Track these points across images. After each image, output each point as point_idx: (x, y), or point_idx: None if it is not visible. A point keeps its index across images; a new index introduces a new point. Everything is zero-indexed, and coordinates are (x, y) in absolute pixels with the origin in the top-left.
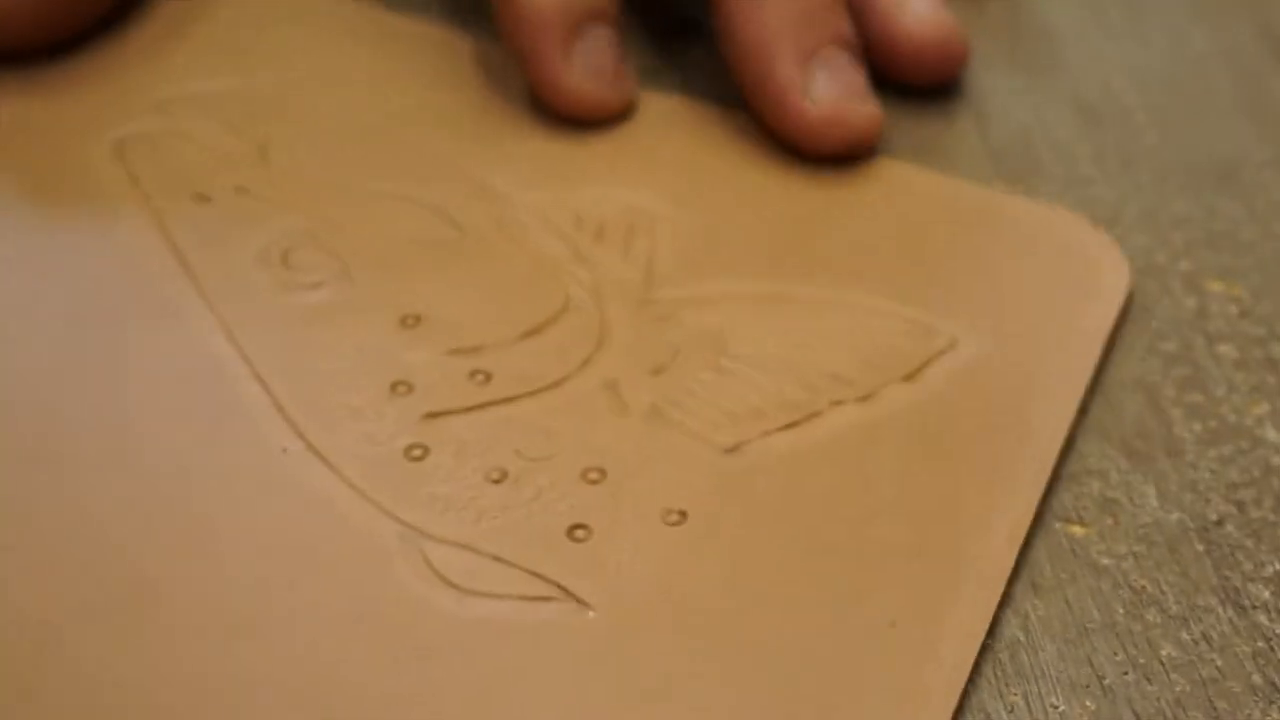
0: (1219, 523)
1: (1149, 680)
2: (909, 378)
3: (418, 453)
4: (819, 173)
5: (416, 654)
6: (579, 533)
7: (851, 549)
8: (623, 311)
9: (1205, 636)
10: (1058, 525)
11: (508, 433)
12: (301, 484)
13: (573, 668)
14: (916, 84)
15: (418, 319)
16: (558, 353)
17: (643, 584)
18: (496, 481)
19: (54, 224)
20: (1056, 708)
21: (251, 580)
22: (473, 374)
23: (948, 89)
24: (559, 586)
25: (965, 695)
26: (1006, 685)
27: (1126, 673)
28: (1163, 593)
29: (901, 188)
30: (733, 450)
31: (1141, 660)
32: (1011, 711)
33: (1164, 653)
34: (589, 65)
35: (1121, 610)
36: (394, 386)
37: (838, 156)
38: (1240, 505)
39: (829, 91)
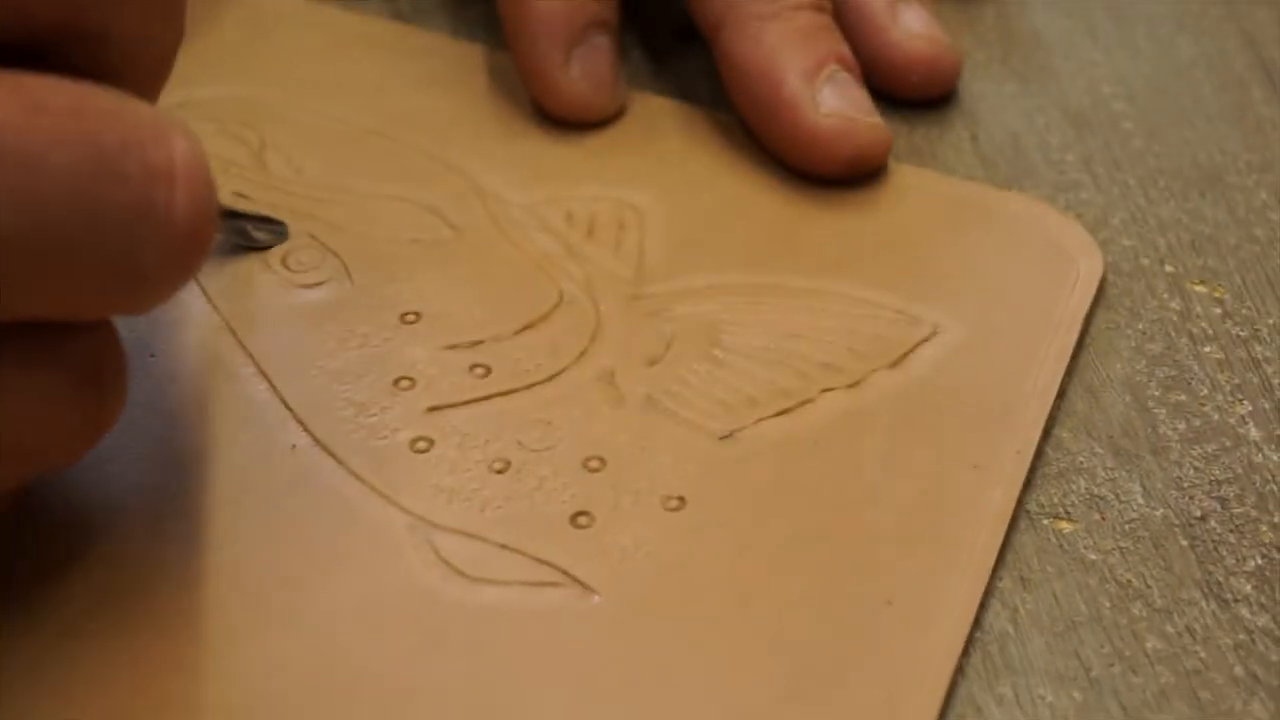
0: (1202, 518)
1: (1134, 672)
2: (894, 364)
3: (422, 445)
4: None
5: (427, 640)
6: (582, 520)
7: (845, 532)
8: (615, 305)
9: (1189, 629)
10: (1046, 521)
11: (509, 424)
12: (311, 478)
13: (579, 652)
14: (909, 98)
15: (417, 316)
16: (554, 346)
17: (645, 568)
18: (500, 472)
19: None
20: (1044, 699)
21: (265, 573)
22: (472, 368)
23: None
24: (564, 572)
25: (955, 687)
26: (996, 677)
27: (1112, 665)
28: (1148, 587)
29: (882, 181)
30: (727, 437)
31: (1127, 653)
32: (1000, 703)
33: (1149, 645)
34: (586, 71)
35: (1108, 604)
36: (396, 382)
37: (846, 172)
38: (1223, 501)
39: (838, 105)
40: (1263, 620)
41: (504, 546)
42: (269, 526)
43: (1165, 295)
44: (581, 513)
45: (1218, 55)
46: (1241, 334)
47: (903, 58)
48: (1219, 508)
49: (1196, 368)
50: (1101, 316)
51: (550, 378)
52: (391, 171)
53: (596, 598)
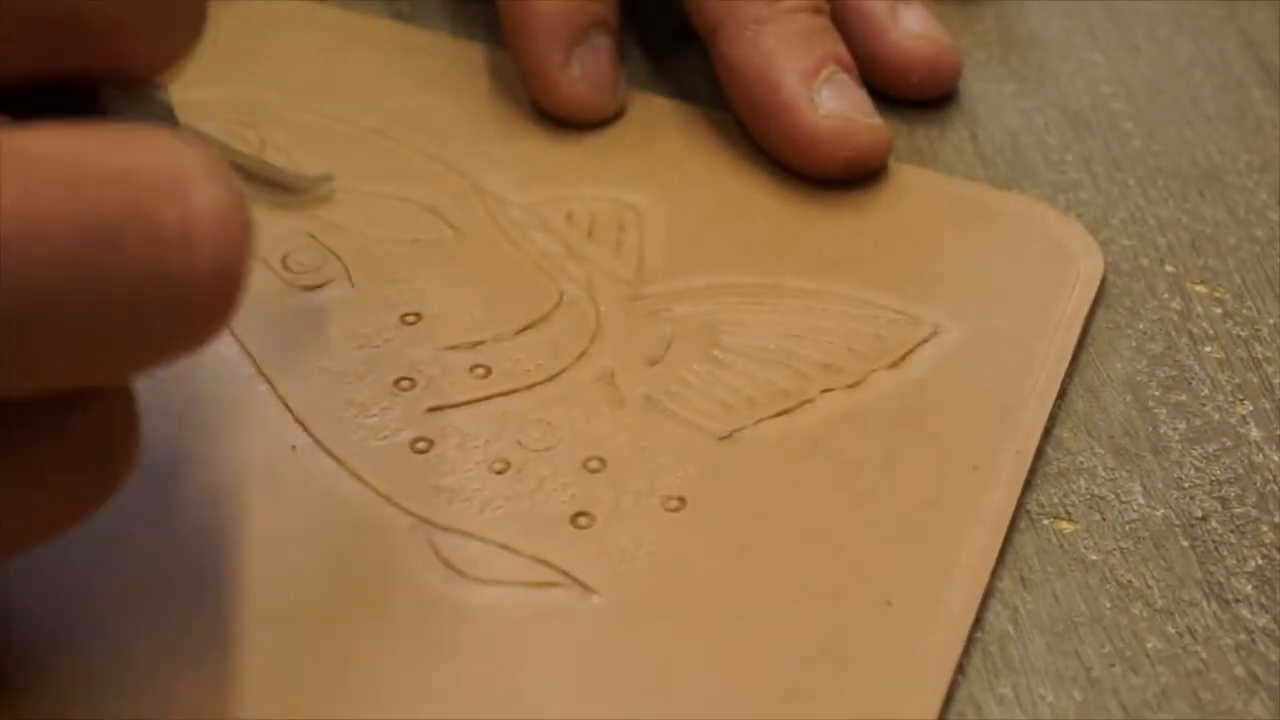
0: (1203, 519)
1: (1135, 672)
2: (894, 365)
3: (423, 446)
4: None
5: (428, 641)
6: (582, 520)
7: (844, 532)
8: (615, 306)
9: (1190, 630)
10: (1046, 521)
11: (509, 425)
12: (312, 479)
13: (579, 652)
14: (909, 99)
15: (417, 316)
16: (554, 347)
17: (645, 569)
18: (500, 472)
19: None
20: (1045, 699)
21: (266, 574)
22: (473, 368)
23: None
24: (564, 573)
25: (955, 686)
26: (996, 677)
27: (1113, 665)
28: (1148, 587)
29: (882, 181)
30: (727, 438)
31: (1128, 653)
32: (1001, 702)
33: (1149, 645)
34: (586, 71)
35: (1108, 604)
36: (397, 382)
37: (845, 173)
38: (1224, 502)
39: (837, 106)
40: (1263, 620)
41: (504, 547)
42: (269, 527)
43: (1165, 295)
44: (581, 513)
45: (1217, 55)
46: (1242, 334)
47: (903, 58)
48: (1220, 508)
49: (1197, 367)
50: (1102, 316)
51: (550, 378)
52: (392, 171)
53: (596, 598)
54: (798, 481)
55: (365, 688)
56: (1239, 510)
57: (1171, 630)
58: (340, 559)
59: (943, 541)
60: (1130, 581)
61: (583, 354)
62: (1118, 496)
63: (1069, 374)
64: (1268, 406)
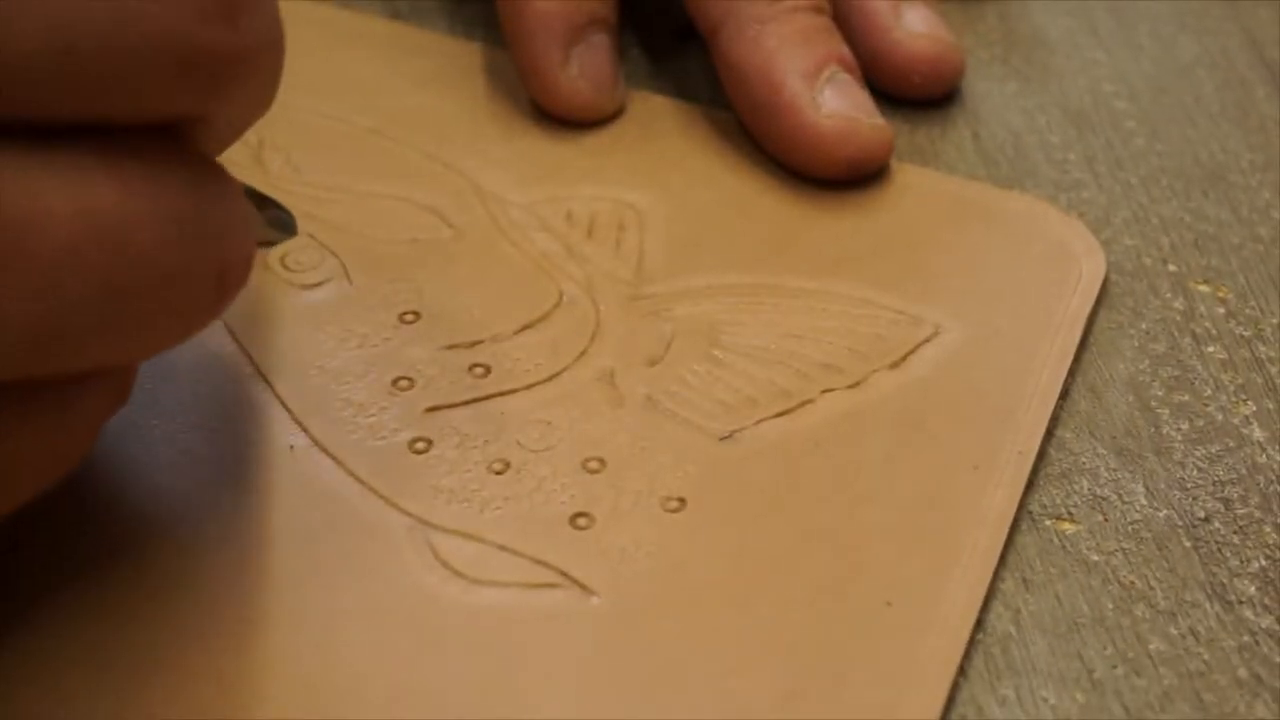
0: (1206, 519)
1: (1138, 674)
2: (895, 365)
3: (421, 446)
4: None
5: (426, 642)
6: (581, 521)
7: (845, 533)
8: (615, 306)
9: (1193, 631)
10: (1048, 522)
11: (508, 425)
12: (309, 479)
13: (577, 654)
14: (912, 98)
15: (416, 315)
16: (553, 346)
17: (645, 570)
18: (499, 472)
19: None
20: (1047, 700)
21: (263, 574)
22: (472, 368)
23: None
24: (563, 574)
25: (957, 688)
26: (998, 678)
27: (1115, 666)
28: (1151, 588)
29: (883, 180)
30: (727, 438)
31: (1130, 654)
32: (1003, 704)
33: (1152, 647)
34: (585, 70)
35: (1111, 605)
36: (395, 382)
37: (848, 173)
38: (1227, 503)
39: (839, 105)
40: (1266, 622)
41: (503, 548)
42: (266, 527)
43: (1168, 295)
44: (581, 514)
45: (1220, 54)
46: (1245, 334)
47: (905, 57)
48: (1223, 509)
49: (1200, 368)
50: (1104, 316)
51: (550, 378)
52: (390, 171)
53: (596, 599)
54: (798, 482)
55: (363, 689)
56: (1242, 511)
57: (1174, 632)
58: (338, 559)
59: (944, 542)
60: (1133, 583)
61: (582, 354)
62: (1120, 497)
63: (1071, 374)
64: (1271, 407)
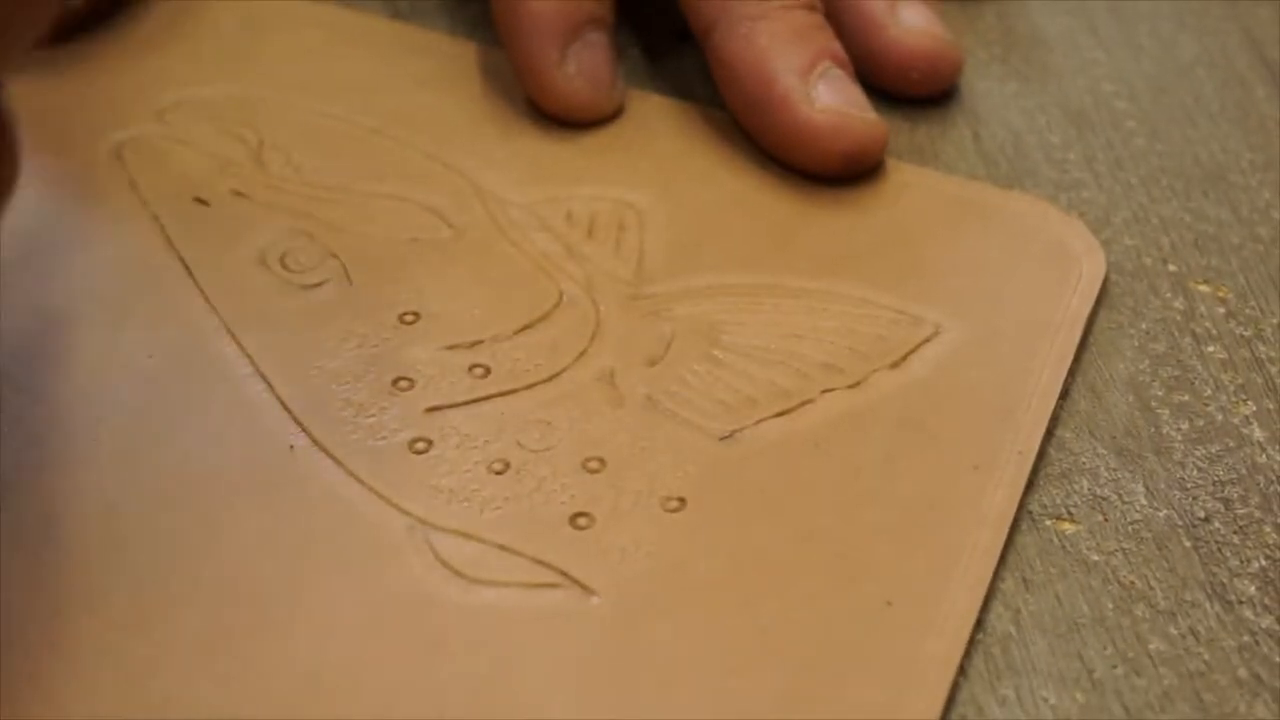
0: (1206, 520)
1: (1137, 674)
2: (895, 365)
3: (421, 446)
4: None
5: (427, 642)
6: (581, 521)
7: (845, 533)
8: (615, 305)
9: (1193, 631)
10: (1048, 522)
11: (508, 425)
12: (310, 479)
13: (578, 653)
14: (911, 96)
15: (416, 316)
16: (553, 346)
17: (645, 570)
18: (499, 473)
19: (55, 228)
20: (1047, 700)
21: (264, 575)
22: (471, 368)
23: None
24: (563, 574)
25: (957, 688)
26: (998, 679)
27: (1115, 666)
28: (1151, 588)
29: (882, 180)
30: (727, 438)
31: (1130, 654)
32: (1003, 704)
33: (1152, 647)
34: (583, 69)
35: (1111, 605)
36: (395, 382)
37: (842, 168)
38: (1227, 503)
39: (833, 101)
40: (1266, 622)
41: (503, 548)
42: (267, 528)
43: (1168, 295)
44: (581, 514)
45: (1219, 54)
46: (1245, 334)
47: (903, 54)
48: (1222, 509)
49: (1200, 368)
50: (1104, 316)
51: (550, 378)
52: (390, 171)
53: (596, 599)
54: (798, 482)
55: (364, 689)
56: (1242, 511)
57: (1174, 631)
58: (339, 560)
59: (944, 542)
60: (1133, 582)
61: (582, 354)
62: (1120, 497)
63: (1071, 374)
64: (1271, 407)
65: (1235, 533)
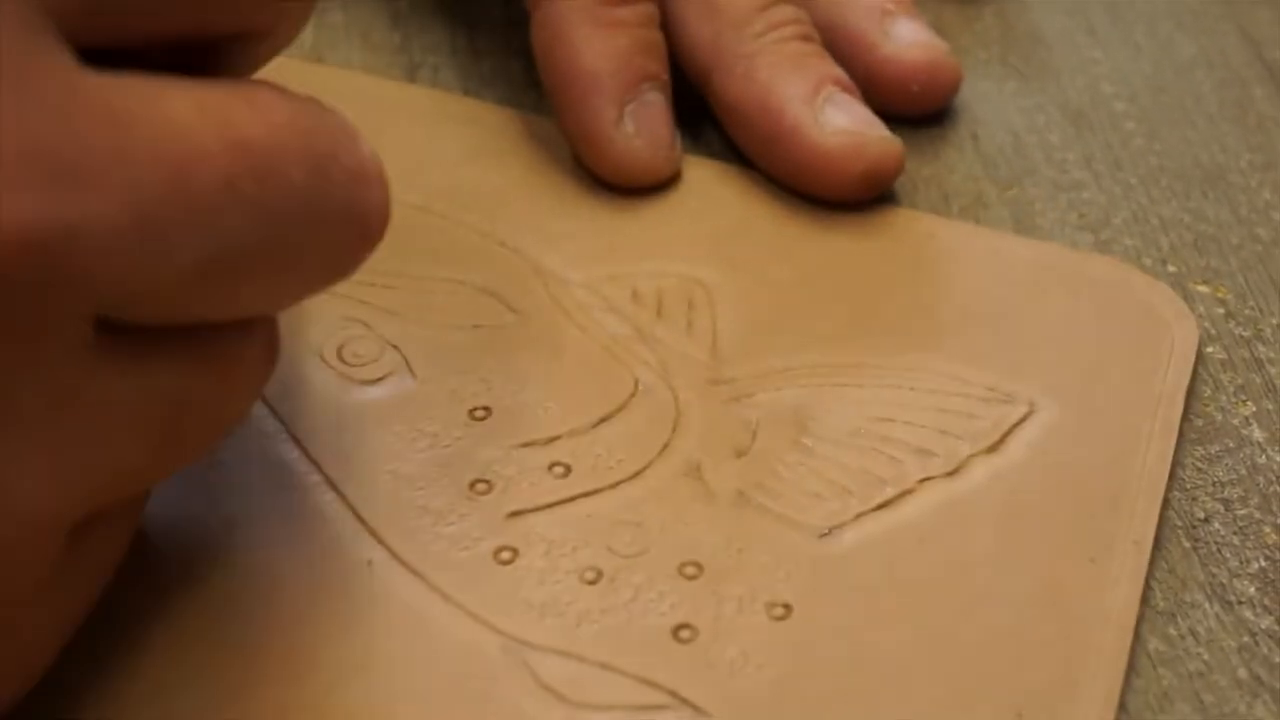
0: (1205, 520)
1: (1137, 674)
2: (992, 449)
3: (507, 555)
4: (873, 237)
5: None
6: (684, 633)
7: (961, 637)
8: (694, 392)
9: (1192, 631)
10: None
11: (596, 528)
12: (392, 597)
13: None
14: (914, 112)
15: (487, 411)
16: (634, 439)
17: (757, 685)
18: (592, 582)
19: None
20: None
21: (352, 703)
22: (551, 466)
23: None
24: (671, 693)
25: None
26: None
27: None
28: (1150, 589)
29: (959, 247)
30: (827, 535)
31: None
32: None
33: (1151, 647)
34: (641, 128)
35: None
36: (472, 485)
37: (862, 190)
38: (1226, 503)
39: (843, 123)
40: (1266, 622)
41: (605, 666)
42: (353, 655)
43: None
44: (683, 625)
45: (1218, 54)
46: (1244, 334)
47: (901, 69)
48: (1222, 509)
49: (1199, 368)
50: None
51: (635, 475)
52: (443, 251)
53: None
54: (906, 582)
55: None
56: (1242, 512)
57: (1173, 632)
58: (432, 686)
59: (1069, 645)
60: None
61: (665, 446)
62: None
63: None
64: (1270, 407)
65: (1235, 534)
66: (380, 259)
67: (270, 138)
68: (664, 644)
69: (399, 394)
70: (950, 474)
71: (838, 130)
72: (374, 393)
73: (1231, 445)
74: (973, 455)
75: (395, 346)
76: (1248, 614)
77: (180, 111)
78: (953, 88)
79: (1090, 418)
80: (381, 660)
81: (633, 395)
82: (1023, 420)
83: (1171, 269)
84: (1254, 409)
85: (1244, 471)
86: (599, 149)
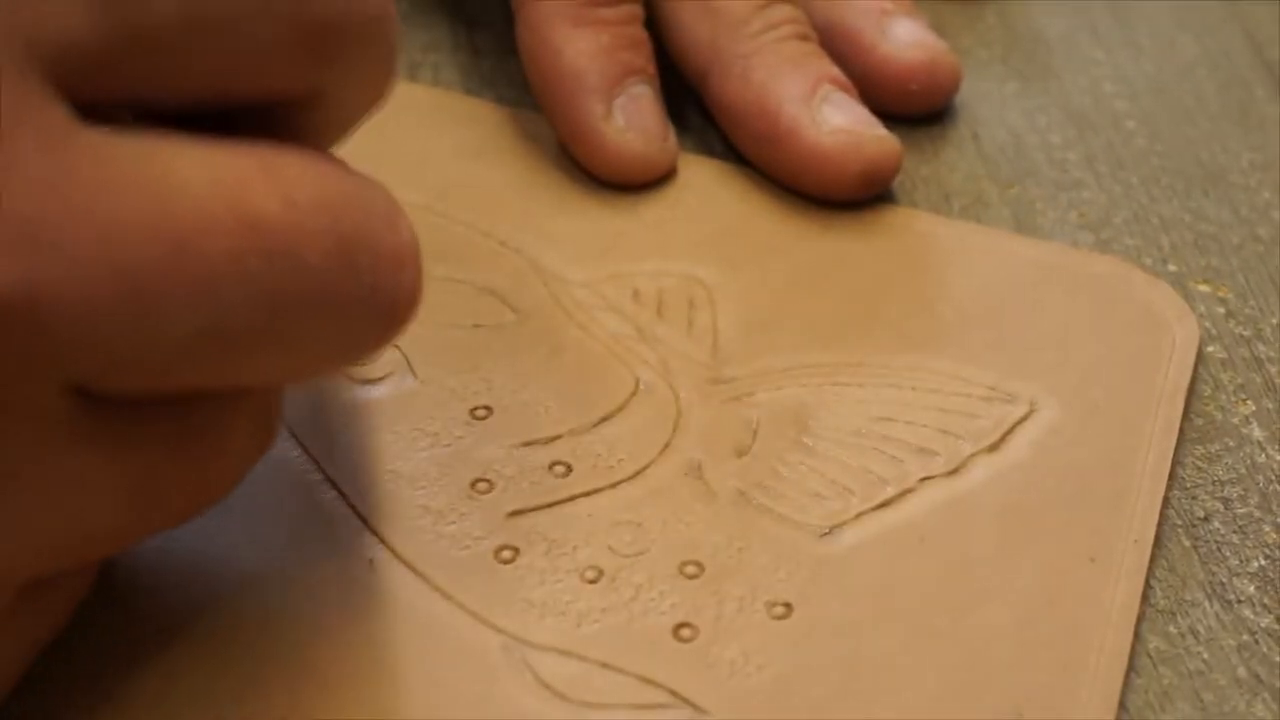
0: (1205, 519)
1: (1137, 673)
2: (993, 448)
3: (507, 555)
4: (874, 236)
5: None
6: (685, 632)
7: (961, 635)
8: (695, 391)
9: (1192, 630)
10: None
11: (597, 528)
12: (393, 596)
13: None
14: (914, 112)
15: (488, 410)
16: (635, 439)
17: (757, 684)
18: (592, 581)
19: None
20: None
21: (353, 702)
22: (552, 466)
23: None
24: (672, 692)
25: None
26: None
27: None
28: (1150, 587)
29: (960, 247)
30: (827, 534)
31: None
32: None
33: (1151, 646)
34: (631, 121)
35: None
36: (473, 484)
37: (860, 189)
38: (1226, 502)
39: (840, 121)
40: (1266, 621)
41: (605, 665)
42: (354, 654)
43: None
44: (684, 624)
45: (1220, 54)
46: (1245, 333)
47: (899, 69)
48: (1222, 508)
49: (1200, 367)
50: None
51: (635, 474)
52: (443, 250)
53: (709, 719)
54: (907, 581)
55: None
56: (1241, 510)
57: (1173, 630)
58: (432, 684)
59: (1069, 644)
60: None
61: (666, 446)
62: None
63: None
64: (1270, 406)
65: (1235, 532)
66: None
67: (286, 215)
68: (665, 643)
69: (400, 393)
70: (951, 473)
71: (835, 129)
72: (375, 392)
73: (1231, 444)
74: (974, 454)
75: (395, 345)
76: (1247, 613)
77: (188, 177)
78: (952, 87)
79: (1091, 417)
80: (382, 659)
81: (633, 395)
82: (1024, 419)
83: (1172, 268)
84: (1254, 408)
85: (1244, 470)
86: (591, 145)
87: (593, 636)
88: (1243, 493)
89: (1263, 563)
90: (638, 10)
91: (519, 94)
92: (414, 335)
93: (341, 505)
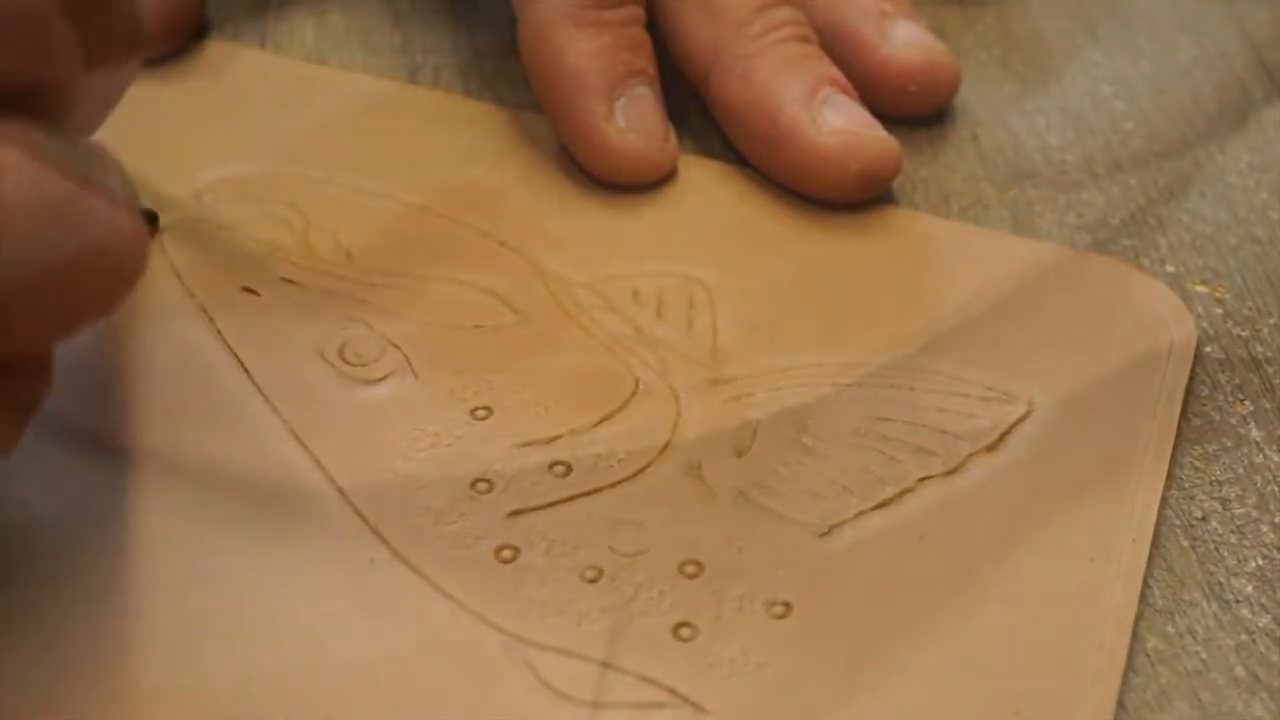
0: (1203, 519)
1: (1135, 672)
2: (991, 448)
3: (508, 554)
4: (873, 237)
5: None
6: (684, 631)
7: (961, 634)
8: (694, 392)
9: (1190, 630)
10: None
11: (597, 527)
12: (395, 596)
13: None
14: (913, 113)
15: (488, 410)
16: (635, 438)
17: (757, 683)
18: (593, 580)
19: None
20: None
21: (355, 701)
22: (552, 466)
23: None
24: (671, 691)
25: None
26: None
27: None
28: (1148, 587)
29: (959, 247)
30: (827, 534)
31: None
32: None
33: (1150, 645)
34: (632, 122)
35: None
36: (474, 484)
37: (859, 190)
38: (1224, 502)
39: (840, 123)
40: (1264, 621)
41: (606, 664)
42: (354, 653)
43: None
44: (684, 623)
45: (1218, 55)
46: (1242, 334)
47: (899, 70)
48: (1220, 508)
49: (1197, 367)
50: None
51: (635, 474)
52: (445, 252)
53: (708, 718)
54: (906, 580)
55: None
56: (1239, 510)
57: (1171, 630)
58: (436, 685)
59: (1068, 643)
60: None
61: (666, 446)
62: None
63: None
64: (1268, 406)
65: (1232, 532)
66: (382, 259)
67: (16, 191)
68: (664, 642)
69: (400, 393)
70: (950, 473)
71: (835, 130)
72: (375, 392)
73: (1229, 444)
74: (972, 454)
75: (396, 346)
76: (1245, 612)
77: None
78: (951, 88)
79: (1089, 417)
80: (383, 658)
81: (633, 395)
82: (1022, 419)
83: (1170, 269)
84: (1251, 408)
85: (1241, 470)
86: (593, 146)
87: (593, 635)
88: (1240, 493)
89: (1260, 562)
90: (639, 12)
91: (519, 95)
92: (414, 336)
93: (342, 505)
